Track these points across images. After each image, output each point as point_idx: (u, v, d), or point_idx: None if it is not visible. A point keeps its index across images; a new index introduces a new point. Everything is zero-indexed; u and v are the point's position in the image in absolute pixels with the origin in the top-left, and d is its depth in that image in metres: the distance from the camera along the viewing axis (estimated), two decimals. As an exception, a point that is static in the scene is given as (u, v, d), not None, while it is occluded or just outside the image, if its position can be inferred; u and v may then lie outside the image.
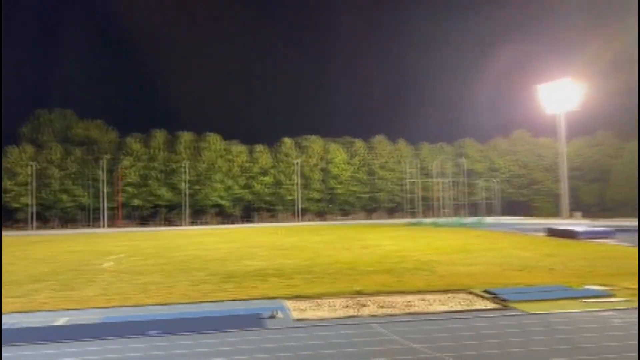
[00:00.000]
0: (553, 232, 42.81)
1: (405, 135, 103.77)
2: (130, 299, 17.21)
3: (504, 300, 15.54)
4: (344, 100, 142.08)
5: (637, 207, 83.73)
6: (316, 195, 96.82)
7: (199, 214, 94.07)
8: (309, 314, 14.34)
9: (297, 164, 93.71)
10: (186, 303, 16.33)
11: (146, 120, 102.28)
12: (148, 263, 27.94)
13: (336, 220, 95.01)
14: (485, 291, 16.94)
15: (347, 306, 15.27)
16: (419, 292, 17.37)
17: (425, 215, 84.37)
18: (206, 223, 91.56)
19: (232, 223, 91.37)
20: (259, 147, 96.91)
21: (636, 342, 11.02)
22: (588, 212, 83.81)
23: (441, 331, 12.31)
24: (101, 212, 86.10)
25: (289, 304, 15.69)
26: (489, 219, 76.11)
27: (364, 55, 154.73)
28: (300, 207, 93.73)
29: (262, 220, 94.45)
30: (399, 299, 16.24)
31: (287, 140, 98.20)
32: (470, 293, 16.99)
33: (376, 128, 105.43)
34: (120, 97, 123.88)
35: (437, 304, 15.42)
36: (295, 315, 14.23)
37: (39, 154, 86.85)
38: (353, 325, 13.00)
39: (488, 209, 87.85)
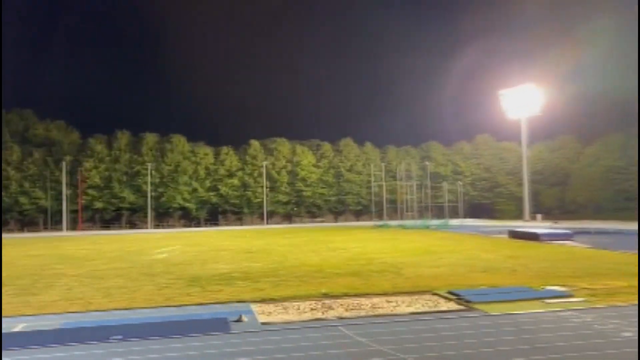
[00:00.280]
0: (515, 235, 43.76)
1: (372, 138, 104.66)
2: (92, 303, 16.82)
3: (467, 301, 15.79)
4: (312, 103, 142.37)
5: (596, 210, 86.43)
6: (283, 198, 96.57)
7: (163, 217, 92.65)
8: (275, 318, 14.27)
9: (264, 166, 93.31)
10: (150, 307, 16.04)
11: (109, 121, 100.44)
12: (111, 267, 27.37)
13: (303, 222, 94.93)
14: (450, 292, 17.18)
15: (313, 309, 15.26)
16: (385, 294, 17.50)
17: (391, 218, 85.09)
18: (171, 226, 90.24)
19: (198, 226, 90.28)
20: (226, 149, 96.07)
21: (596, 341, 11.34)
22: (549, 215, 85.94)
23: (406, 332, 12.41)
24: (62, 215, 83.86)
25: (255, 307, 15.59)
26: (454, 222, 77.27)
27: (332, 59, 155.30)
28: (267, 209, 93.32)
29: (228, 224, 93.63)
30: (365, 301, 16.31)
31: (255, 143, 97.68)
32: (435, 294, 17.20)
33: (343, 131, 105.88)
34: (83, 98, 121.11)
35: (402, 305, 15.55)
36: (262, 318, 14.14)
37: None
38: (320, 328, 13.00)
39: (452, 212, 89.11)
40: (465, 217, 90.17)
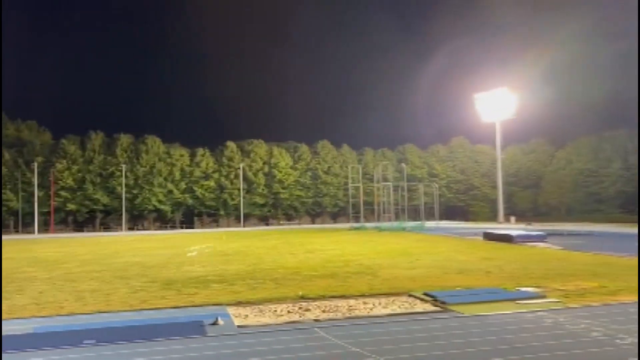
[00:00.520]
0: (489, 236, 44.33)
1: (349, 140, 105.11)
2: (65, 307, 16.50)
3: (443, 302, 15.94)
4: (289, 105, 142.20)
5: (568, 212, 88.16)
6: (260, 200, 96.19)
7: (137, 219, 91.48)
8: (251, 320, 14.21)
9: (240, 168, 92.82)
10: (125, 311, 15.82)
11: (83, 122, 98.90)
12: (84, 270, 26.91)
13: (280, 225, 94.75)
14: (426, 294, 17.32)
15: (290, 311, 15.23)
16: (362, 295, 17.56)
17: (368, 220, 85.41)
18: (145, 228, 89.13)
19: (172, 228, 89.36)
20: (201, 151, 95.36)
21: (567, 341, 11.56)
22: (522, 217, 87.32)
23: (382, 334, 12.47)
24: (34, 217, 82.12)
25: (231, 310, 15.49)
26: (429, 223, 77.99)
27: (309, 61, 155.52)
28: (243, 212, 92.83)
29: (203, 226, 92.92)
30: (342, 303, 16.34)
31: (231, 144, 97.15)
32: (411, 296, 17.33)
33: (320, 133, 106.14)
34: (56, 98, 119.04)
35: (379, 307, 15.62)
36: (238, 321, 14.06)
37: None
38: (296, 331, 12.98)
39: (428, 214, 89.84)
40: (440, 219, 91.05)
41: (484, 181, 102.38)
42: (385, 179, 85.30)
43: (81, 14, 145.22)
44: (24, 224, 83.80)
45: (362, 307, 15.64)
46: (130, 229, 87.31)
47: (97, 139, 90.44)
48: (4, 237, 74.06)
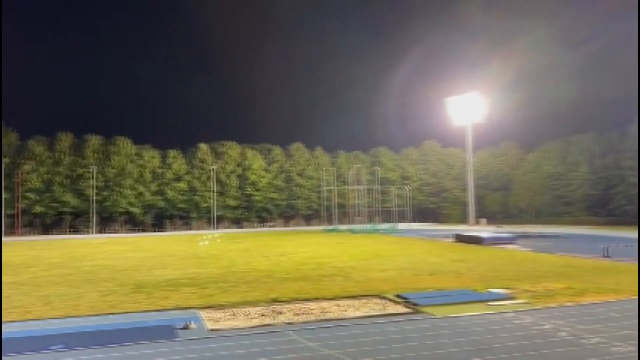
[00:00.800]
0: (460, 238, 44.92)
1: (323, 143, 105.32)
2: (31, 312, 16.11)
3: (415, 304, 16.07)
4: (262, 107, 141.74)
5: (536, 214, 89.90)
6: (232, 203, 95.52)
7: (107, 222, 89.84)
8: (223, 324, 14.09)
9: (213, 170, 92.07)
10: (93, 315, 15.52)
11: (51, 123, 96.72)
12: (52, 274, 26.32)
13: (253, 227, 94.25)
14: (398, 296, 17.45)
15: (263, 315, 15.16)
16: (335, 298, 17.59)
17: (341, 222, 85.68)
18: (115, 231, 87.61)
19: (143, 231, 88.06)
20: (173, 153, 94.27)
21: (535, 341, 11.77)
22: (493, 219, 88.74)
23: (355, 337, 12.51)
24: (-2, 219, 79.96)
25: (203, 314, 15.34)
26: (402, 226, 78.64)
27: (283, 63, 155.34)
28: (216, 214, 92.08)
29: (175, 228, 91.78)
30: (314, 305, 16.34)
31: (203, 146, 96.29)
32: (384, 298, 17.43)
33: (294, 136, 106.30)
34: (22, 97, 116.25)
35: (351, 309, 15.67)
36: (210, 325, 13.93)
37: None
38: (269, 334, 12.92)
39: (400, 216, 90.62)
40: (412, 221, 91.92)
41: (455, 184, 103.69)
42: (358, 182, 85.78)
43: (49, 14, 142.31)
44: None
45: (334, 310, 15.66)
46: (100, 231, 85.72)
47: (65, 139, 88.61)
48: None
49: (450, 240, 46.37)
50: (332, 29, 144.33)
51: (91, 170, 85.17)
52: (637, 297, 16.77)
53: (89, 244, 53.32)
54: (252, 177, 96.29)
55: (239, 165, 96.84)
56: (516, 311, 15.02)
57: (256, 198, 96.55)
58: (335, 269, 25.75)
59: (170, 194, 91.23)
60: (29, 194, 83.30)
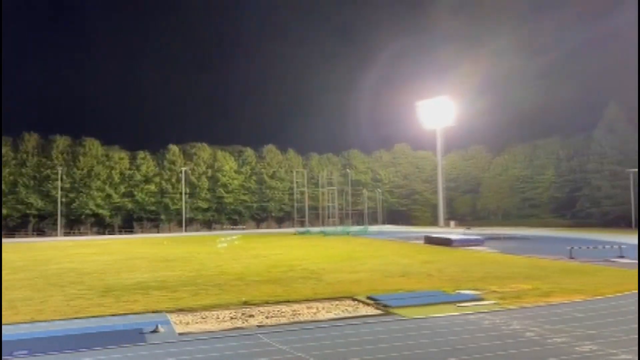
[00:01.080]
0: (431, 240, 45.38)
1: (295, 145, 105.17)
2: (-7, 318, 15.63)
3: (385, 306, 16.17)
4: (234, 109, 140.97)
5: (504, 216, 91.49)
6: (203, 205, 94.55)
7: (74, 224, 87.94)
8: (193, 327, 13.93)
9: (183, 172, 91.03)
10: (59, 320, 15.16)
11: (15, 123, 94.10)
12: (16, 277, 25.62)
13: (224, 230, 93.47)
14: (369, 298, 17.53)
15: (233, 318, 15.05)
16: (306, 300, 17.57)
17: (313, 224, 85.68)
18: (82, 234, 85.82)
19: (112, 234, 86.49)
20: (142, 154, 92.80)
21: (504, 342, 11.96)
22: (462, 221, 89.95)
23: (326, 338, 12.51)
24: (-41, 222, 77.45)
25: (172, 317, 15.14)
26: (373, 228, 79.06)
27: (255, 66, 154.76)
28: (186, 216, 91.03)
29: (144, 231, 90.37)
30: (286, 308, 16.30)
31: (173, 147, 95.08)
32: (355, 300, 17.49)
33: (266, 137, 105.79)
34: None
35: (322, 311, 15.68)
36: (180, 329, 13.76)
37: None
38: (239, 337, 12.82)
39: (372, 218, 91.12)
40: (384, 223, 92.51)
41: (426, 186, 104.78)
42: (330, 184, 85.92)
43: (10, 11, 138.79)
44: (-51, 230, 78.89)
45: (306, 312, 15.65)
46: (67, 234, 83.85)
47: (30, 140, 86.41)
48: None
49: (420, 242, 46.82)
50: (303, 32, 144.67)
51: (58, 171, 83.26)
52: (602, 297, 17.23)
53: (56, 247, 52.09)
54: (223, 179, 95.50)
55: (209, 167, 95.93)
56: (485, 312, 15.25)
57: (227, 200, 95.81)
58: (307, 271, 25.74)
59: (139, 195, 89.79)
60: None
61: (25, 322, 14.87)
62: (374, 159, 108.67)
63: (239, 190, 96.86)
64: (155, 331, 13.30)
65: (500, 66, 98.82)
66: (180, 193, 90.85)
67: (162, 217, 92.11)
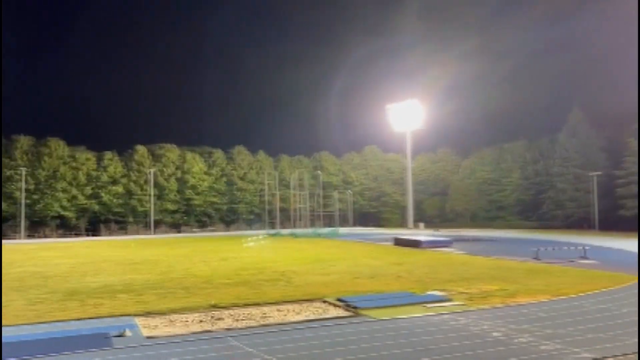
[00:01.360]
0: (400, 242, 45.77)
1: (265, 147, 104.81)
2: (-50, 323, 15.09)
3: (355, 307, 16.23)
4: (203, 110, 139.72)
5: (472, 218, 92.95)
6: (171, 206, 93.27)
7: (38, 226, 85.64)
8: (160, 331, 13.72)
9: (151, 173, 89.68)
10: (21, 324, 14.73)
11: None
12: (-26, 282, 24.78)
13: (193, 232, 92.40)
14: (339, 299, 17.56)
15: (202, 321, 14.88)
16: (276, 303, 17.50)
17: (283, 226, 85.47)
18: (47, 236, 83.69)
19: (77, 236, 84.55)
20: (109, 155, 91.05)
21: (472, 342, 12.13)
22: (431, 223, 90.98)
23: (295, 341, 12.48)
24: None
25: (139, 321, 14.89)
26: (343, 230, 79.32)
27: (225, 67, 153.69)
28: (153, 218, 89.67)
29: (110, 233, 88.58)
30: (255, 311, 16.20)
31: (140, 148, 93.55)
32: (325, 302, 17.50)
33: (236, 138, 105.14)
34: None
35: (292, 314, 15.64)
36: (146, 332, 13.53)
37: None
38: (208, 341, 12.68)
39: (342, 220, 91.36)
40: (354, 225, 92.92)
41: (395, 188, 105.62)
42: (301, 186, 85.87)
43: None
44: None
45: (275, 315, 15.59)
46: (30, 236, 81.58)
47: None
48: None
49: (390, 243, 47.16)
50: (275, 34, 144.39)
51: (20, 172, 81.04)
52: (566, 297, 17.65)
53: (18, 250, 50.64)
54: (192, 181, 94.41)
55: (178, 168, 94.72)
56: (453, 312, 15.45)
57: (196, 202, 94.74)
58: (277, 274, 25.64)
59: (105, 197, 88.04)
60: (-50, 197, 78.28)
61: (-15, 328, 14.39)
62: (344, 161, 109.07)
63: (208, 192, 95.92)
64: (121, 335, 13.05)
65: (468, 69, 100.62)
66: (148, 195, 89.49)
67: (130, 219, 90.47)
